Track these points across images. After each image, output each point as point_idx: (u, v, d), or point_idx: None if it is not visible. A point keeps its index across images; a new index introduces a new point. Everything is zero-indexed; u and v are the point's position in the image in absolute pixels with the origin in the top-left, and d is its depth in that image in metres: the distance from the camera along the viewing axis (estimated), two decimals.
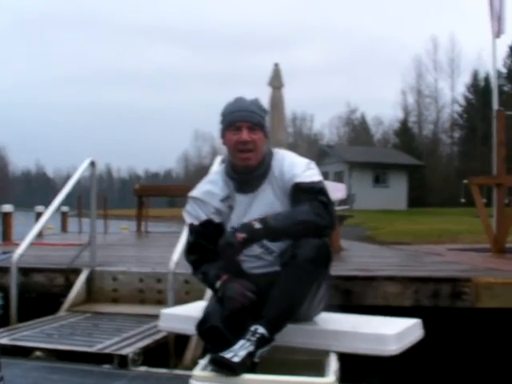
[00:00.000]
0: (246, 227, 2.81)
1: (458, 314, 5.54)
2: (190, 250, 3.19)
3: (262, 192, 3.09)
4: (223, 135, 3.11)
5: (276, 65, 9.98)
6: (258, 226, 2.79)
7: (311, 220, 2.86)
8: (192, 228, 3.17)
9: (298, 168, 3.07)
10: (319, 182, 3.04)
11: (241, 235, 2.77)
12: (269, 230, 2.80)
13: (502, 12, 9.92)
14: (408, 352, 3.02)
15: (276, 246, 3.01)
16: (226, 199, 3.09)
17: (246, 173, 3.04)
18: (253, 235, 2.79)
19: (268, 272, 2.95)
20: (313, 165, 3.13)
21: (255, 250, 2.98)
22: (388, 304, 5.39)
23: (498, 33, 9.97)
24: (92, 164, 6.32)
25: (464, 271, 6.33)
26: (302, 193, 2.97)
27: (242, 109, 3.05)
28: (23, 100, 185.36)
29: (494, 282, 5.37)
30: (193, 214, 3.16)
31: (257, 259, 3.04)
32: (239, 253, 2.82)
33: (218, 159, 6.48)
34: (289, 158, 3.14)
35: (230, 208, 3.07)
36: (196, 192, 3.21)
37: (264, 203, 3.05)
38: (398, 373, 4.90)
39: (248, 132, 3.01)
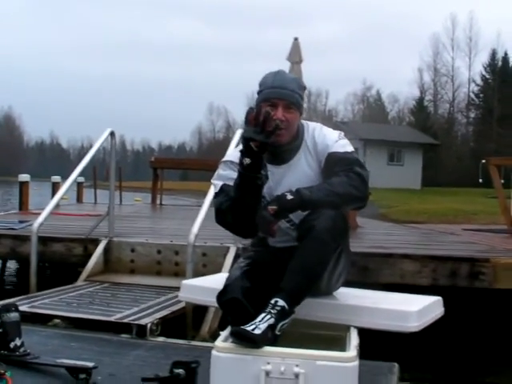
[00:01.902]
0: (278, 199, 2.77)
1: (474, 294, 5.55)
2: (219, 199, 2.98)
3: (296, 163, 3.06)
4: (258, 106, 3.02)
5: (296, 39, 9.91)
6: (290, 197, 2.75)
7: (347, 192, 2.82)
8: (225, 188, 2.97)
9: (331, 138, 3.04)
10: (353, 153, 3.02)
11: (272, 207, 2.74)
12: (302, 200, 2.76)
13: None
14: (425, 331, 3.01)
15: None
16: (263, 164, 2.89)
17: (278, 146, 2.97)
18: (285, 206, 2.74)
19: (292, 246, 2.92)
20: (343, 135, 3.10)
21: (281, 224, 2.95)
22: (404, 282, 5.39)
23: None
24: (112, 134, 6.32)
25: (482, 252, 6.32)
26: (337, 163, 2.93)
27: (282, 86, 2.97)
28: (38, 69, 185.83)
29: None
30: (228, 177, 2.99)
31: (282, 234, 3.02)
32: (273, 225, 2.78)
33: (239, 133, 6.45)
34: (319, 129, 3.12)
35: (265, 177, 2.87)
36: (229, 156, 3.13)
37: (298, 174, 3.02)
38: (413, 352, 4.92)
39: (283, 111, 2.95)
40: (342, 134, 3.12)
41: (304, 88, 3.12)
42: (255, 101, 3.08)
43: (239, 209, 2.85)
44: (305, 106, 3.14)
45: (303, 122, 3.15)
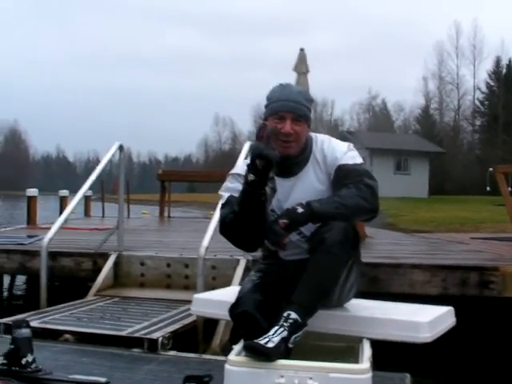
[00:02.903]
0: (289, 212, 2.78)
1: (483, 303, 5.53)
2: (224, 211, 3.01)
3: (304, 176, 3.07)
4: (266, 119, 3.05)
5: (302, 50, 9.91)
6: (300, 210, 2.76)
7: (357, 204, 2.83)
8: (231, 200, 2.99)
9: (340, 150, 3.06)
10: (362, 164, 3.04)
11: (283, 221, 2.75)
12: (313, 214, 2.77)
13: None
14: (436, 341, 3.01)
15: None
16: (269, 179, 2.86)
17: (287, 159, 2.99)
18: (296, 219, 2.76)
19: (303, 259, 2.93)
20: (352, 147, 3.12)
21: (292, 237, 2.96)
22: (414, 292, 5.39)
23: None
24: (120, 148, 6.35)
25: (491, 260, 6.32)
26: (347, 175, 2.95)
27: (289, 99, 2.99)
28: (43, 82, 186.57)
29: None
30: (235, 189, 3.00)
31: (293, 246, 3.02)
32: (284, 238, 2.79)
33: (247, 145, 6.47)
34: (328, 142, 3.13)
35: (273, 190, 2.91)
36: (237, 169, 3.15)
37: (307, 187, 3.03)
38: (424, 361, 4.91)
39: (291, 123, 2.96)
40: (352, 145, 3.13)
41: (311, 101, 3.13)
42: (263, 114, 3.11)
43: (242, 223, 2.88)
44: (312, 117, 3.15)
45: (312, 134, 3.17)
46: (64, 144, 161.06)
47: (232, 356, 2.58)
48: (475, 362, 5.39)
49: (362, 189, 2.89)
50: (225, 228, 3.00)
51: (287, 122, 2.97)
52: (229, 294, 3.26)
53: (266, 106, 3.08)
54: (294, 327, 2.62)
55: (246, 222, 2.87)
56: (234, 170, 3.18)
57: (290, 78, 9.90)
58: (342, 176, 2.97)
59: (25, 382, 2.95)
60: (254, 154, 2.71)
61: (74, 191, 6.28)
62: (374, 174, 3.09)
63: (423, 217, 22.88)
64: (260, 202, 2.79)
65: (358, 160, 3.05)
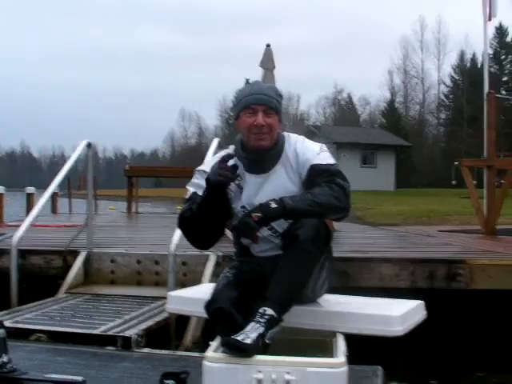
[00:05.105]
0: (262, 207, 2.83)
1: (451, 296, 5.61)
2: (185, 207, 3.11)
3: (275, 173, 3.10)
4: (237, 117, 3.11)
5: (268, 46, 9.95)
6: (274, 205, 2.81)
7: (329, 202, 2.88)
8: (193, 196, 3.09)
9: (313, 151, 3.10)
10: (335, 165, 3.08)
11: (256, 214, 2.80)
12: (285, 209, 2.82)
13: None
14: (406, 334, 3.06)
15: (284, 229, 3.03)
16: (235, 177, 2.98)
17: (259, 153, 3.05)
18: (269, 214, 2.81)
19: (276, 255, 2.98)
20: (325, 147, 3.16)
21: (263, 232, 3.00)
22: (384, 285, 5.44)
23: (489, 16, 10.02)
24: (89, 145, 6.31)
25: (458, 253, 6.41)
26: (320, 175, 2.99)
27: (259, 92, 3.06)
28: (5, 77, 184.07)
29: (489, 264, 5.45)
30: (200, 186, 3.06)
31: (265, 242, 3.06)
32: (256, 232, 2.84)
33: (215, 141, 6.50)
34: (301, 142, 3.17)
35: (239, 187, 3.05)
36: (204, 166, 3.21)
37: (277, 184, 3.07)
38: (394, 355, 4.96)
39: (263, 115, 3.02)
40: (324, 146, 3.18)
41: (281, 96, 3.20)
42: (233, 111, 3.17)
43: (198, 222, 3.00)
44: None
45: (284, 133, 3.21)
46: (28, 140, 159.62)
47: (210, 352, 2.61)
48: (444, 353, 5.46)
49: (335, 188, 2.93)
50: (182, 222, 3.11)
51: (259, 114, 3.03)
52: (203, 290, 3.29)
53: (236, 104, 3.14)
54: (271, 323, 2.65)
55: (201, 222, 2.99)
56: (202, 167, 3.24)
57: (257, 74, 9.95)
58: (315, 175, 3.01)
59: (1, 382, 2.95)
60: (209, 176, 2.91)
61: (39, 187, 6.24)
62: (341, 167, 3.14)
63: (390, 210, 23.09)
64: (217, 208, 2.95)
65: (331, 160, 3.09)
